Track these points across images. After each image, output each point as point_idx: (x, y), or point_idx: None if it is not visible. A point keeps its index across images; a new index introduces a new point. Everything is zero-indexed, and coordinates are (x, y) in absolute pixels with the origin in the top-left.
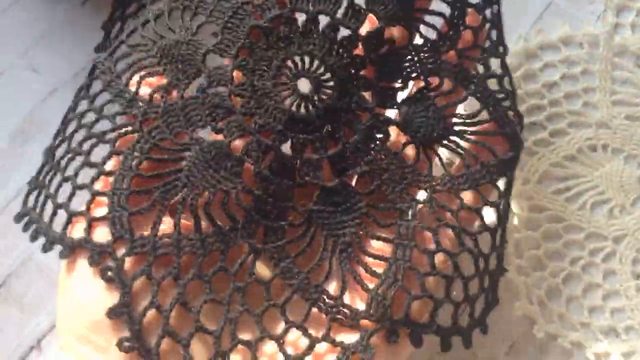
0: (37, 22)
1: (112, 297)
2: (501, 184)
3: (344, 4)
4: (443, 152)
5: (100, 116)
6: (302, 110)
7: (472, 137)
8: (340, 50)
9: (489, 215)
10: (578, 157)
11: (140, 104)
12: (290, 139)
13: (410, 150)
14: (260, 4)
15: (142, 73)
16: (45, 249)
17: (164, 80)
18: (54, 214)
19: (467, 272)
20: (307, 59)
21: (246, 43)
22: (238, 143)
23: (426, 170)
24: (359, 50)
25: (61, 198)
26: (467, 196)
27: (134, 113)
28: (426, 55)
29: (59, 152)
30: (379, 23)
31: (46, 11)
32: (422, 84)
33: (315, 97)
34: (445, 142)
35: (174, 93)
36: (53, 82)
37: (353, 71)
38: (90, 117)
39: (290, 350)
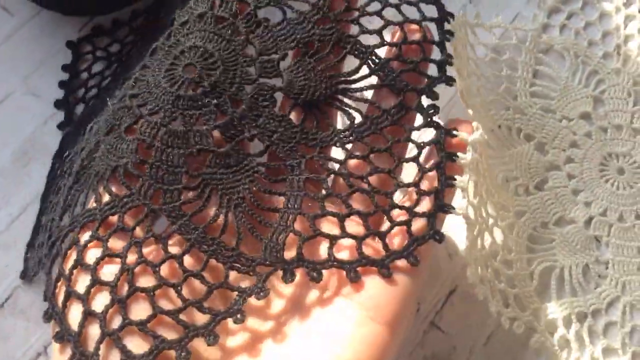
0: (37, 49)
1: None
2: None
3: None
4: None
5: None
6: (189, 91)
7: (355, 94)
8: (220, 36)
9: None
10: (497, 132)
11: None
12: (180, 115)
13: (297, 112)
14: None
15: None
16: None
17: None
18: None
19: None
20: (193, 52)
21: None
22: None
23: (314, 129)
24: (239, 34)
25: None
26: (356, 147)
27: None
28: (300, 26)
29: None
30: (251, 6)
31: (45, 39)
32: (300, 51)
33: (201, 79)
34: (330, 100)
35: None
36: (53, 107)
37: (234, 51)
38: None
39: (188, 296)
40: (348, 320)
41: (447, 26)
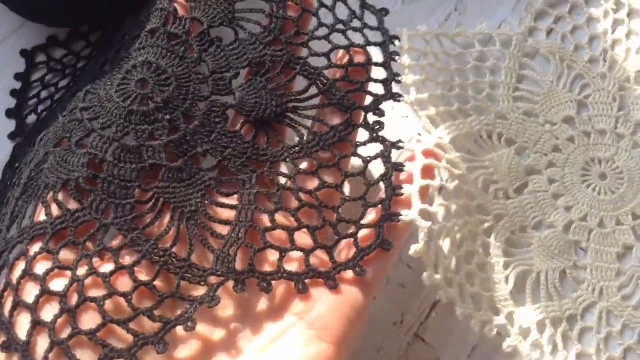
0: (21, 61)
1: None
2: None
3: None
4: None
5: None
6: (142, 106)
7: (305, 112)
8: (173, 53)
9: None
10: (477, 138)
11: None
12: (132, 130)
13: (248, 129)
14: None
15: None
16: None
17: None
18: None
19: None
20: (145, 67)
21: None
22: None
23: (264, 145)
24: (192, 52)
25: None
26: (304, 164)
27: None
28: (252, 46)
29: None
30: (204, 25)
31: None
32: (252, 71)
33: (153, 94)
34: (280, 118)
35: None
36: None
37: (187, 68)
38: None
39: (139, 306)
40: (297, 339)
41: (406, 40)
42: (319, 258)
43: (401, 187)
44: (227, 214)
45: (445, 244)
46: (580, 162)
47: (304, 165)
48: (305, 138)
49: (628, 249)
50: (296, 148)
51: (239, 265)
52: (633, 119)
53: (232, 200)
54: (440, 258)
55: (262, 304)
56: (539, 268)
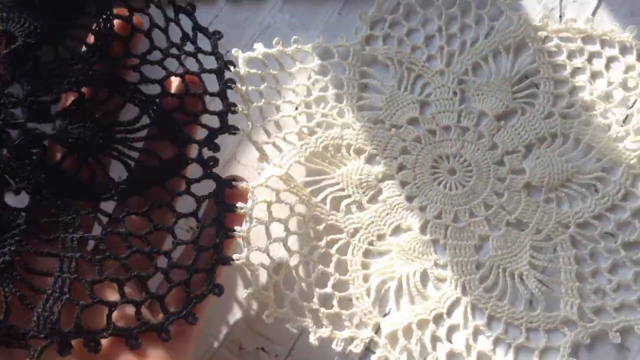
0: None
1: None
2: None
3: None
4: None
5: None
6: None
7: (135, 144)
8: None
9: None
10: (324, 154)
11: None
12: None
13: (70, 162)
14: None
15: None
16: None
17: None
18: None
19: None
20: None
21: None
22: None
23: (89, 181)
24: (1, 69)
25: None
26: (135, 201)
27: None
28: (76, 67)
29: None
30: (19, 40)
31: None
32: (76, 95)
33: None
34: (107, 150)
35: None
36: None
37: None
38: None
39: None
40: None
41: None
42: (152, 309)
43: (233, 230)
44: (49, 263)
45: (286, 277)
46: (429, 161)
47: (133, 203)
48: (134, 173)
49: (484, 240)
50: (125, 185)
51: (66, 321)
52: (475, 110)
53: (54, 247)
54: (282, 292)
55: None
56: (399, 274)
